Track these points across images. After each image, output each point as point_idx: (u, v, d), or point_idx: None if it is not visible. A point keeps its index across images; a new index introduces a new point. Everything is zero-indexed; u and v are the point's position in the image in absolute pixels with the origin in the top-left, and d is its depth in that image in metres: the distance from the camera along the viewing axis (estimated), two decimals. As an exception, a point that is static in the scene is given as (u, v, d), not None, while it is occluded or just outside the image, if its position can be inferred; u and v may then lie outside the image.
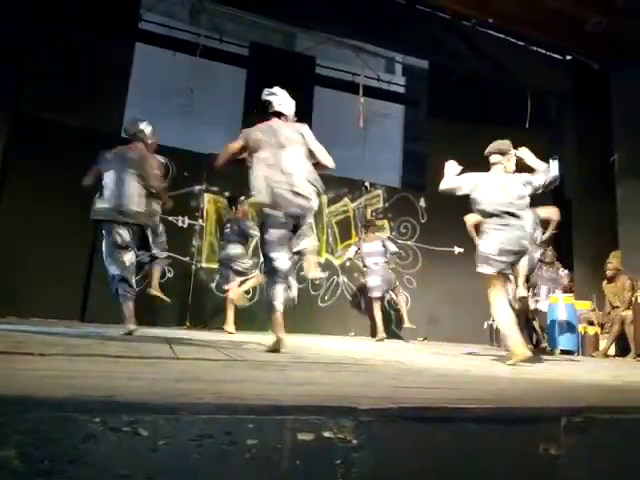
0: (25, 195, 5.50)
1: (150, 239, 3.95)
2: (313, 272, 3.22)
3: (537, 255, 5.32)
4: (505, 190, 3.51)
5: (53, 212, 5.39)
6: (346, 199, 7.51)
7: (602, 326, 6.11)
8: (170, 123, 6.98)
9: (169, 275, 6.23)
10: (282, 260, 3.00)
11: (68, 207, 4.97)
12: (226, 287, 5.62)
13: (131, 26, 6.71)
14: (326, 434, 1.04)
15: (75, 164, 5.18)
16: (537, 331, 6.39)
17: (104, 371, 1.58)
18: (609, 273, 6.09)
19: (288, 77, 7.18)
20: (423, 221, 7.74)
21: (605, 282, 6.20)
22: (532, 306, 6.08)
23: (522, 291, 4.48)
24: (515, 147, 3.75)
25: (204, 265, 6.48)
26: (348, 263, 7.10)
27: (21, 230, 5.44)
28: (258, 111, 3.52)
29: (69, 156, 5.58)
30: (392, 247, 6.73)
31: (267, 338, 3.51)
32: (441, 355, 4.08)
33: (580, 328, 6.03)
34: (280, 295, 2.99)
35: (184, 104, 7.19)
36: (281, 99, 3.27)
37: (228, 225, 5.79)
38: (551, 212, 4.95)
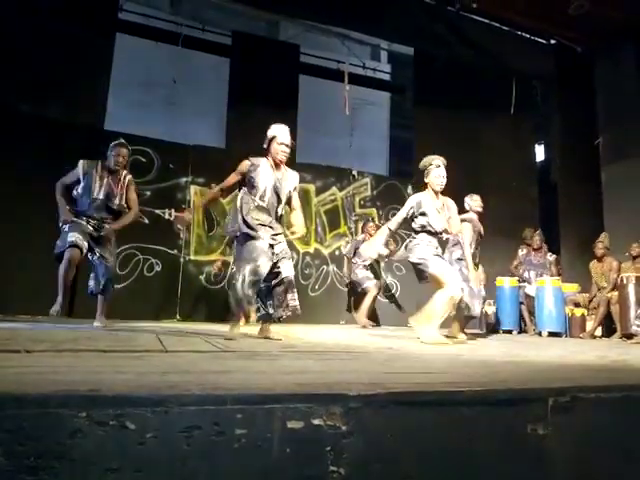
0: (7, 191, 5.39)
1: None
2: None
3: None
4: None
5: (37, 208, 5.28)
6: (334, 188, 7.48)
7: (589, 308, 6.18)
8: (154, 114, 6.91)
9: (157, 269, 6.17)
10: None
11: (52, 202, 4.89)
12: None
13: (111, 16, 6.58)
14: (316, 421, 1.04)
15: (57, 157, 5.15)
16: (524, 315, 6.48)
17: (91, 366, 1.56)
18: (599, 252, 6.13)
19: (272, 66, 7.22)
20: (411, 208, 7.74)
21: (593, 262, 6.25)
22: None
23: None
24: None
25: (192, 258, 6.43)
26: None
27: (5, 228, 5.35)
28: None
29: (51, 149, 5.49)
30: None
31: (254, 329, 3.53)
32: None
33: (567, 310, 6.11)
34: None
35: (167, 95, 7.09)
36: None
37: None
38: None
